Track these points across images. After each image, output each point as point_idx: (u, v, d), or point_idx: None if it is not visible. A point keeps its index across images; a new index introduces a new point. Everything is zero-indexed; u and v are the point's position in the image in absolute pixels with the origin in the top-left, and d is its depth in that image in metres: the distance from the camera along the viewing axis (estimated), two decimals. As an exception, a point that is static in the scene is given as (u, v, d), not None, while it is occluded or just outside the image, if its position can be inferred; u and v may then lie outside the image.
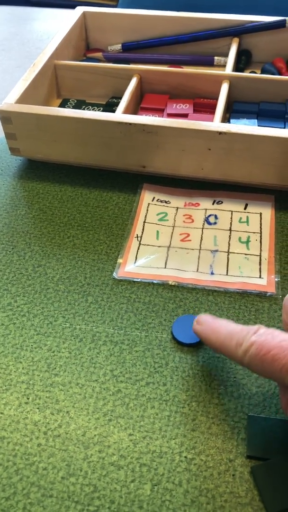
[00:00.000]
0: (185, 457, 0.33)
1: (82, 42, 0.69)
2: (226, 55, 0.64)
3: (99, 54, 0.68)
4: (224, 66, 0.64)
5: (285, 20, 0.62)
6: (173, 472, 0.32)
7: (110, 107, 0.58)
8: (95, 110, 0.59)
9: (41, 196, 0.52)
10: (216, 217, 0.48)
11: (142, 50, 0.68)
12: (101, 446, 0.33)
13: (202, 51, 0.66)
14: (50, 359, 0.38)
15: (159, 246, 0.46)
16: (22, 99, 0.52)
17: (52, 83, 0.60)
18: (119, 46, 0.68)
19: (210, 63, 0.65)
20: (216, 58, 0.65)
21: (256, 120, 0.53)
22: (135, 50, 0.68)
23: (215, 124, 0.47)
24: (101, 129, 0.49)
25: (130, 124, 0.47)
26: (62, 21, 0.65)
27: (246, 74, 0.57)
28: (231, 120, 0.54)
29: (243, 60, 0.65)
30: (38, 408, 0.35)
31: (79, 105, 0.60)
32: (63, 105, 0.60)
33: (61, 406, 0.35)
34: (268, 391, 0.36)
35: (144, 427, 0.34)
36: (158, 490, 0.31)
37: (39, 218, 0.49)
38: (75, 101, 0.61)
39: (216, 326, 0.34)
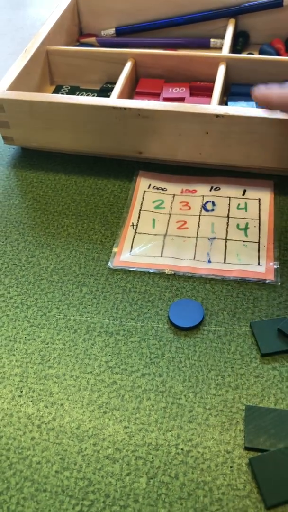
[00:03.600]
0: (182, 449, 0.32)
1: (75, 28, 0.67)
2: (222, 37, 0.63)
3: (92, 39, 0.66)
4: (220, 48, 0.62)
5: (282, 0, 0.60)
6: (169, 464, 0.31)
7: (105, 92, 0.57)
8: (90, 96, 0.57)
9: (35, 185, 0.51)
10: (213, 203, 0.47)
11: (136, 34, 0.66)
12: (96, 439, 0.33)
13: (198, 33, 0.64)
14: (44, 351, 0.37)
15: (155, 235, 0.45)
16: (14, 86, 0.51)
17: (44, 69, 0.59)
18: (112, 31, 0.67)
19: (206, 46, 0.64)
20: (212, 40, 0.63)
21: (254, 103, 0.52)
22: (129, 34, 0.66)
23: (213, 107, 0.45)
24: (95, 114, 0.47)
25: (125, 108, 0.46)
26: (55, 6, 0.63)
27: (243, 55, 0.55)
28: (229, 103, 0.53)
29: (240, 42, 0.63)
30: (31, 401, 0.35)
31: (73, 91, 0.59)
32: (56, 92, 0.59)
33: (55, 398, 0.35)
34: (267, 381, 0.35)
35: (140, 419, 0.33)
36: (154, 483, 0.31)
37: (32, 207, 0.48)
38: (69, 87, 0.60)
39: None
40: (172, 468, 0.31)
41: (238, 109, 0.45)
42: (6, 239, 0.46)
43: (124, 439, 0.33)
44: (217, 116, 0.45)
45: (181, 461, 0.31)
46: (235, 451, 0.32)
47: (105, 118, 0.47)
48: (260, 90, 0.42)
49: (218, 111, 0.45)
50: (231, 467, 0.31)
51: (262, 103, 0.43)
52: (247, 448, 0.32)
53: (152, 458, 0.32)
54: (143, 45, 0.64)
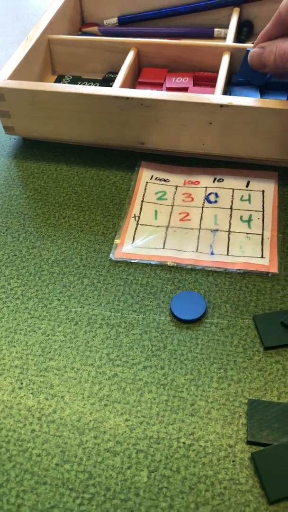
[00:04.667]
0: (183, 443, 0.32)
1: (77, 16, 0.66)
2: (226, 26, 0.62)
3: (94, 29, 0.65)
4: (224, 38, 0.61)
5: (289, -12, 0.59)
6: (170, 458, 0.31)
7: (107, 82, 0.56)
8: (92, 86, 0.57)
9: (36, 176, 0.50)
10: (216, 195, 0.46)
11: (139, 23, 0.65)
12: (97, 432, 0.32)
13: (201, 23, 0.63)
14: (44, 343, 0.37)
15: (157, 226, 0.44)
16: (16, 75, 0.50)
17: (46, 58, 0.58)
18: (115, 20, 0.66)
19: (209, 36, 0.63)
20: (216, 30, 0.62)
21: (258, 93, 0.51)
22: (131, 23, 0.65)
23: (217, 96, 0.45)
24: (98, 104, 0.47)
25: (127, 98, 0.45)
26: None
27: (247, 45, 0.54)
28: (232, 93, 0.52)
29: (245, 32, 0.62)
30: (32, 393, 0.34)
31: (75, 81, 0.58)
32: (58, 81, 0.58)
33: (55, 391, 0.34)
34: (270, 374, 0.34)
35: (141, 412, 0.33)
36: (155, 477, 0.30)
37: (33, 198, 0.48)
38: (71, 77, 0.59)
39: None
40: (173, 462, 0.31)
41: (243, 99, 0.44)
42: (6, 230, 0.45)
43: (125, 432, 0.32)
44: (221, 106, 0.44)
45: (183, 455, 0.31)
46: (237, 445, 0.31)
47: (108, 108, 0.47)
48: (255, 51, 0.42)
49: (222, 101, 0.44)
50: (233, 461, 0.31)
51: (258, 66, 0.42)
52: (249, 442, 0.31)
53: (153, 452, 0.31)
54: (146, 34, 0.63)
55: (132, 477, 0.30)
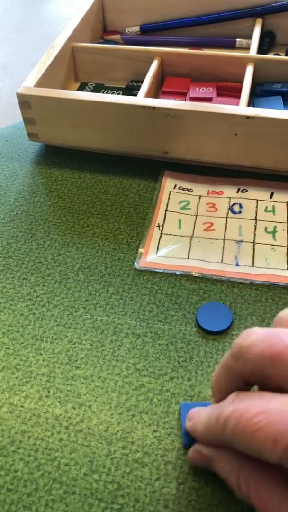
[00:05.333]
0: (212, 455, 0.31)
1: (100, 24, 0.67)
2: (248, 37, 0.62)
3: (116, 37, 0.66)
4: (246, 48, 0.61)
5: (312, 0, 0.59)
6: (199, 470, 0.31)
7: (130, 91, 0.57)
8: (115, 94, 0.57)
9: (60, 183, 0.50)
10: (240, 206, 0.46)
11: (161, 32, 0.66)
12: (125, 442, 0.32)
13: (224, 33, 0.64)
14: (71, 351, 0.37)
15: (181, 236, 0.44)
16: (41, 83, 0.51)
17: (70, 66, 0.58)
18: (137, 28, 0.66)
19: (231, 46, 0.63)
20: (238, 40, 0.63)
21: (282, 104, 0.51)
22: (153, 32, 0.66)
23: (243, 108, 0.45)
24: (123, 113, 0.47)
25: (154, 108, 0.46)
26: (78, 2, 0.62)
27: (272, 56, 0.55)
28: (255, 104, 0.52)
29: (267, 42, 0.62)
30: (59, 402, 0.34)
31: (98, 89, 0.58)
32: (81, 89, 0.59)
33: (82, 400, 0.34)
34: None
35: (169, 424, 0.33)
36: (184, 489, 0.30)
37: (57, 205, 0.48)
38: (94, 85, 0.59)
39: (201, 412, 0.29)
40: (202, 474, 0.31)
41: (270, 111, 0.44)
42: (31, 236, 0.45)
43: (153, 443, 0.32)
44: (248, 117, 0.44)
45: (211, 467, 0.31)
46: (266, 459, 0.31)
47: (133, 117, 0.47)
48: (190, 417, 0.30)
49: (249, 113, 0.44)
50: (262, 474, 0.31)
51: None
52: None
53: (181, 463, 0.31)
54: (168, 43, 0.64)
55: (161, 489, 0.30)
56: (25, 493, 0.30)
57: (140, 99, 0.47)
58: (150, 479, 0.31)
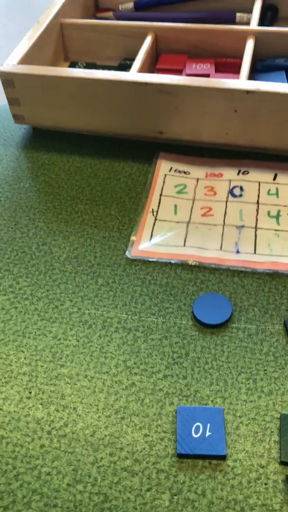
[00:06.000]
0: (209, 462, 0.28)
1: (91, 1, 0.63)
2: (249, 11, 0.58)
3: (109, 14, 0.62)
4: (247, 23, 0.58)
5: None
6: (195, 479, 0.28)
7: (123, 69, 0.53)
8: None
9: (47, 168, 0.47)
10: (241, 188, 0.43)
11: (156, 8, 0.62)
12: (113, 448, 0.29)
13: (222, 7, 0.60)
14: (55, 347, 0.34)
15: (177, 222, 0.41)
16: (26, 61, 0.47)
17: (58, 44, 0.55)
18: (131, 5, 0.62)
19: (231, 20, 0.59)
20: (238, 14, 0.59)
21: (285, 79, 0.48)
22: (148, 8, 0.62)
23: (242, 82, 0.41)
24: (114, 90, 0.44)
25: (146, 84, 0.42)
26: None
27: (274, 28, 0.51)
28: (257, 80, 0.48)
29: (269, 16, 0.58)
30: (41, 404, 0.31)
31: (89, 68, 0.55)
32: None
33: (67, 401, 0.31)
34: (305, 386, 0.31)
35: (162, 427, 0.30)
36: (178, 500, 0.27)
37: (44, 191, 0.45)
38: (84, 64, 0.56)
39: None
40: (198, 484, 0.28)
41: (271, 84, 0.41)
42: (15, 224, 0.42)
43: (144, 449, 0.29)
44: (248, 92, 0.40)
45: (209, 476, 0.28)
46: (270, 466, 0.28)
47: (124, 94, 0.43)
48: None
49: (249, 87, 0.41)
50: (265, 484, 0.27)
51: None
52: (283, 463, 0.28)
53: (175, 472, 0.28)
54: (163, 20, 0.60)
55: (152, 501, 0.27)
56: (1, 506, 0.27)
57: (131, 74, 0.44)
58: (141, 489, 0.28)
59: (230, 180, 0.44)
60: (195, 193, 0.43)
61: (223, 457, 0.28)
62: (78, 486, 0.28)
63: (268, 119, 0.42)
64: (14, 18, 0.73)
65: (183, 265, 0.38)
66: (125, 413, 0.31)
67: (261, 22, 0.58)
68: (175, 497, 0.27)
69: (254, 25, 0.53)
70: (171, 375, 0.32)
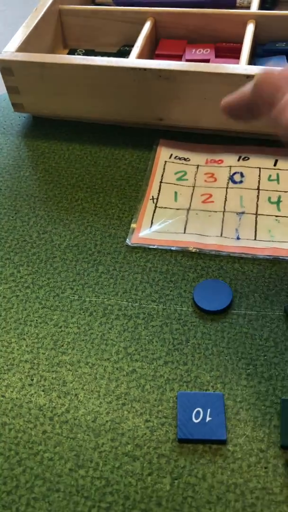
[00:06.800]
0: (209, 447, 0.29)
1: (90, -13, 0.62)
2: (250, -5, 0.57)
3: (109, 0, 0.61)
4: (247, 7, 0.57)
5: None
6: (195, 464, 0.28)
7: (122, 55, 0.53)
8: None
9: (47, 156, 0.47)
10: (242, 175, 0.43)
11: (156, -7, 0.61)
12: (114, 434, 0.29)
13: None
14: (56, 335, 0.34)
15: (177, 209, 0.41)
16: (24, 48, 0.47)
17: (57, 31, 0.54)
18: (131, -10, 0.62)
19: (231, 5, 0.58)
20: (239, -2, 0.58)
21: (286, 63, 0.47)
22: (148, -7, 0.61)
23: (242, 67, 0.41)
24: (112, 77, 0.43)
25: (145, 69, 0.42)
26: None
27: (275, 12, 0.50)
28: (257, 65, 0.48)
29: (270, 0, 0.58)
30: (43, 391, 0.31)
31: (88, 55, 0.54)
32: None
33: (69, 388, 0.31)
34: (305, 371, 0.31)
35: (163, 412, 0.30)
36: (179, 484, 0.27)
37: (44, 179, 0.45)
38: (83, 51, 0.55)
39: None
40: (199, 468, 0.28)
41: (272, 69, 0.40)
42: (16, 213, 0.42)
43: (145, 434, 0.29)
44: (248, 77, 0.40)
45: (209, 460, 0.28)
46: (270, 450, 0.28)
47: (123, 80, 0.43)
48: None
49: (249, 71, 0.40)
50: (265, 468, 0.28)
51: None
52: (283, 447, 0.28)
53: (176, 456, 0.28)
54: (163, 4, 0.59)
55: (153, 485, 0.27)
56: (5, 491, 0.28)
57: (129, 60, 0.43)
58: (142, 474, 0.28)
59: (230, 167, 0.43)
60: (195, 179, 0.43)
61: (223, 442, 0.28)
62: (80, 471, 0.28)
63: (269, 104, 0.41)
64: (12, 5, 0.72)
65: (183, 252, 0.38)
66: (126, 399, 0.31)
67: (262, 6, 0.57)
68: (176, 481, 0.28)
69: (254, 8, 0.52)
70: (172, 361, 0.32)
